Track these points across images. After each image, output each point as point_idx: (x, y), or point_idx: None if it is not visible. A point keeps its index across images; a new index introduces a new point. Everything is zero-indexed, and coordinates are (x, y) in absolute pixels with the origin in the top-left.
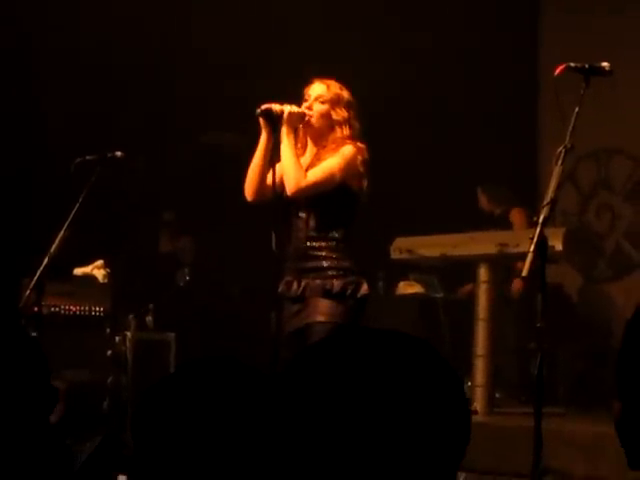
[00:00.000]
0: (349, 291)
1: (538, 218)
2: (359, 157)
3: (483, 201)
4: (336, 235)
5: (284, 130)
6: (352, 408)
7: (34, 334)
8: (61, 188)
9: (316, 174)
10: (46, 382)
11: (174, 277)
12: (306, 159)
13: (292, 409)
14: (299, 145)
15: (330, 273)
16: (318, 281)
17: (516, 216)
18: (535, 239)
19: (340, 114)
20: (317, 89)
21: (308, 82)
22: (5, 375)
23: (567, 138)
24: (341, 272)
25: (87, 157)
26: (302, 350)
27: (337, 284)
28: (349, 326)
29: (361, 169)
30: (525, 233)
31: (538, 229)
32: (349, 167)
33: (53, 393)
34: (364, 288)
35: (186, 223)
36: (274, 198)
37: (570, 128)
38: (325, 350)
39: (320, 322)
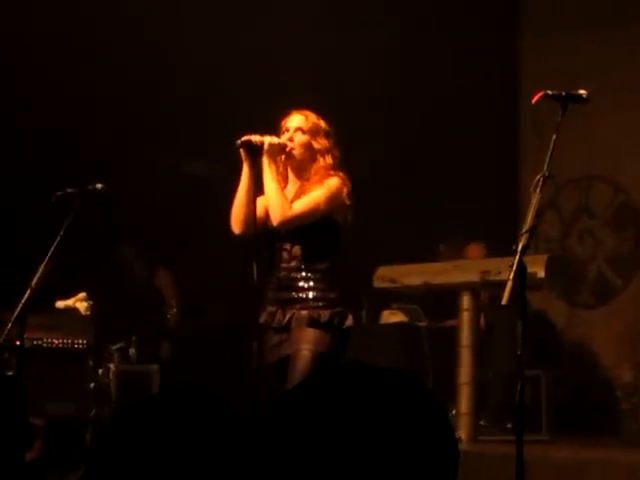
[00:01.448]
0: (336, 321)
1: (517, 246)
2: (344, 189)
3: (477, 255)
4: (321, 266)
5: (265, 161)
6: (334, 450)
7: (10, 372)
8: (42, 221)
9: (301, 205)
10: (21, 420)
11: (156, 310)
12: (289, 192)
13: (273, 453)
14: (280, 178)
15: (316, 304)
16: (304, 311)
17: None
18: (514, 267)
19: (321, 143)
20: (295, 120)
21: (285, 114)
22: None
23: (545, 166)
24: (327, 303)
25: (68, 190)
26: (282, 394)
27: (324, 314)
28: (327, 365)
29: (346, 201)
30: (507, 261)
31: (517, 257)
32: (334, 199)
33: (29, 430)
34: (349, 320)
35: (165, 254)
36: (258, 230)
37: (548, 155)
38: (305, 392)
39: (306, 349)
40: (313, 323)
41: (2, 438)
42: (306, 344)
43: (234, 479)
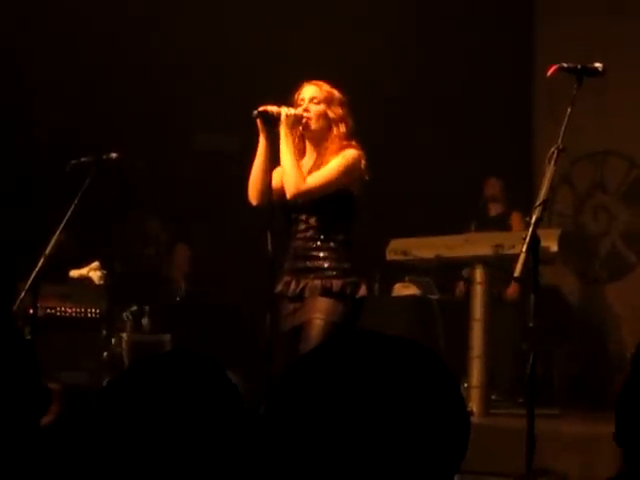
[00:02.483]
0: (348, 291)
1: (531, 218)
2: (362, 161)
3: (495, 189)
4: (337, 237)
5: (283, 132)
6: (348, 416)
7: (28, 336)
8: (57, 189)
9: (316, 178)
10: (36, 382)
11: (170, 282)
12: (307, 162)
13: (287, 420)
14: (297, 150)
15: (330, 273)
16: (317, 281)
17: (516, 220)
18: (527, 239)
19: (336, 112)
20: (309, 91)
21: (298, 86)
22: None
23: (559, 139)
24: (341, 272)
25: (82, 159)
26: (296, 360)
27: (336, 283)
28: (341, 332)
29: (362, 173)
30: (520, 235)
31: (530, 229)
32: (351, 171)
33: (45, 394)
34: (363, 289)
35: (180, 228)
36: (275, 201)
37: (562, 129)
38: (319, 358)
39: (318, 318)
40: (325, 292)
41: (17, 400)
42: (318, 313)
43: (229, 445)
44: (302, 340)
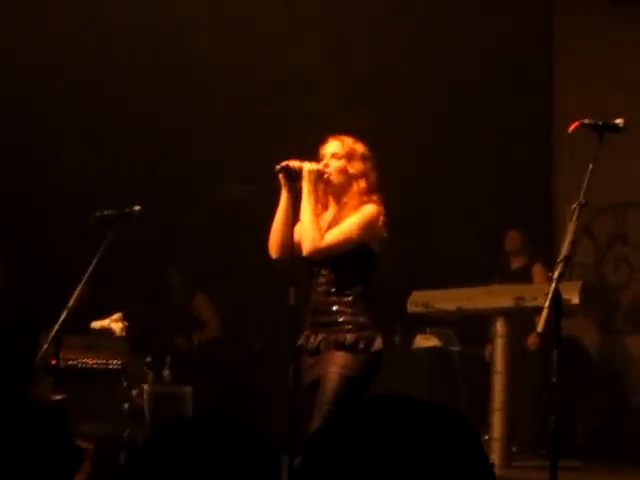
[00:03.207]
0: (361, 345)
1: (553, 274)
2: (380, 217)
3: (516, 242)
4: (354, 291)
5: (306, 188)
6: None
7: (58, 396)
8: (80, 242)
9: (334, 236)
10: (67, 443)
11: (191, 333)
12: (329, 216)
13: None
14: (320, 204)
15: (345, 327)
16: (333, 335)
17: (538, 271)
18: (550, 295)
19: (356, 168)
20: (332, 146)
21: (323, 141)
22: (25, 438)
23: (581, 194)
24: (355, 326)
25: (105, 212)
26: (316, 433)
27: (350, 337)
28: (362, 399)
29: (381, 229)
30: (541, 287)
31: (553, 285)
32: (369, 227)
33: (76, 454)
34: (378, 343)
35: (201, 279)
36: (296, 254)
37: (584, 185)
38: (342, 430)
39: (333, 372)
40: (339, 346)
41: (47, 462)
42: (334, 367)
43: None
44: (318, 394)
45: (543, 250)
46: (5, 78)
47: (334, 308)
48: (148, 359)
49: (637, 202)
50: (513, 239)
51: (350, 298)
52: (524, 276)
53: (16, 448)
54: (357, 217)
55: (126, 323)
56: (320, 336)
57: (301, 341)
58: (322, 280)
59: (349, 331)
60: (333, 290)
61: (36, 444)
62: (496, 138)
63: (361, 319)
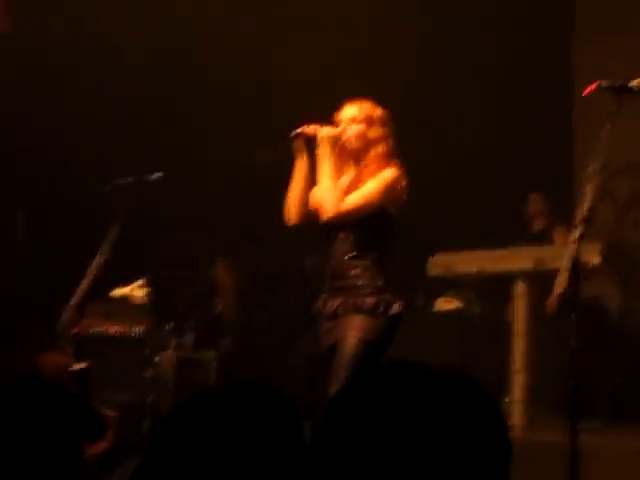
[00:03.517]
0: (381, 308)
1: (573, 235)
2: (400, 181)
3: (538, 205)
4: (372, 255)
5: (323, 153)
6: (390, 452)
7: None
8: (99, 210)
9: (353, 200)
10: (86, 412)
11: (214, 300)
12: (345, 181)
13: (332, 456)
14: (336, 170)
15: (363, 291)
16: (351, 299)
17: (560, 233)
18: (569, 256)
19: (375, 132)
20: (349, 111)
21: (339, 106)
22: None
23: (599, 156)
24: (374, 290)
25: (124, 180)
26: (337, 395)
27: (369, 301)
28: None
29: (401, 194)
30: (562, 249)
31: (573, 246)
32: (389, 191)
33: (97, 422)
34: (396, 307)
35: (222, 245)
36: (312, 220)
37: (602, 147)
38: (360, 393)
39: (351, 336)
40: (358, 310)
41: (63, 431)
42: (352, 330)
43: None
44: (336, 358)
45: (565, 213)
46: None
47: (352, 272)
48: (170, 325)
49: None
50: (535, 202)
51: (368, 262)
52: (546, 238)
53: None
54: (377, 181)
55: (149, 290)
56: (338, 300)
57: (318, 305)
58: (340, 245)
59: (368, 294)
60: (351, 254)
61: (43, 419)
62: (516, 106)
63: (379, 282)
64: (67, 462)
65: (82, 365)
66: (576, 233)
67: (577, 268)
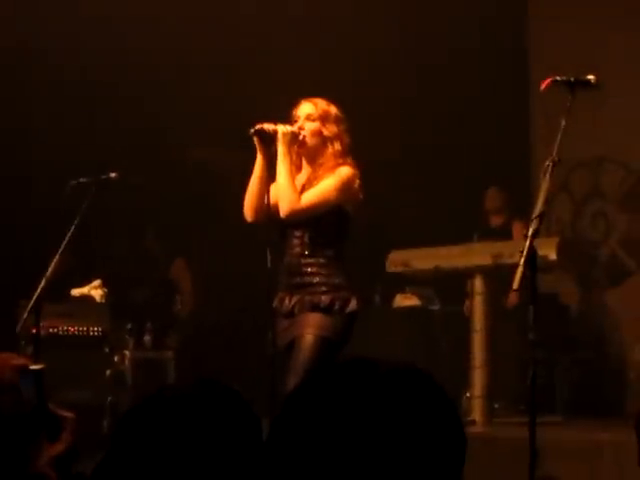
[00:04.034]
0: (336, 306)
1: (528, 231)
2: (356, 180)
3: (496, 200)
4: (328, 253)
5: (280, 150)
6: (343, 451)
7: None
8: (56, 210)
9: (310, 197)
10: (41, 413)
11: (171, 300)
12: (302, 178)
13: (288, 455)
14: (293, 167)
15: (320, 289)
16: (308, 297)
17: (517, 228)
18: (525, 252)
19: (331, 130)
20: (305, 108)
21: (295, 103)
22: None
23: (554, 151)
24: (331, 288)
25: (81, 179)
26: (290, 395)
27: (325, 299)
28: (336, 363)
29: (357, 192)
30: (520, 244)
31: (527, 242)
32: (345, 189)
33: (53, 423)
34: (353, 304)
35: (178, 244)
36: (271, 217)
37: (557, 141)
38: (315, 392)
39: (308, 333)
40: (314, 308)
41: (17, 432)
42: (309, 328)
43: (247, 475)
44: (293, 355)
45: (523, 208)
46: None
47: (309, 270)
48: (129, 325)
49: (612, 156)
50: (493, 197)
51: (324, 259)
52: (504, 234)
53: None
54: (334, 179)
55: (106, 290)
56: (295, 298)
57: (275, 303)
58: (296, 242)
59: (324, 292)
60: (307, 252)
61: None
62: (474, 98)
63: (336, 280)
64: (20, 465)
65: (38, 366)
66: (531, 228)
67: (534, 262)
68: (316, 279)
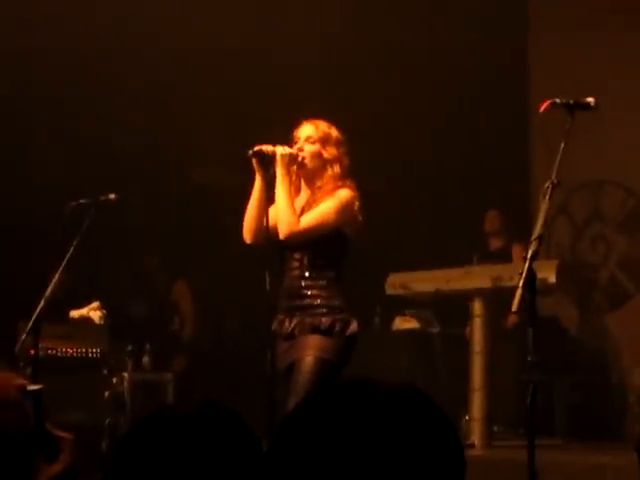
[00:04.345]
0: (337, 328)
1: (527, 253)
2: (355, 202)
3: (495, 223)
4: (328, 275)
5: (279, 172)
6: (342, 472)
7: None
8: (57, 231)
9: (309, 220)
10: (39, 434)
11: (171, 322)
12: (301, 200)
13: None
14: (292, 188)
15: (320, 311)
16: (308, 319)
17: (517, 251)
18: (524, 274)
19: (330, 152)
20: (306, 130)
21: (297, 124)
22: None
23: (553, 173)
24: (331, 310)
25: (81, 201)
26: (288, 417)
27: (325, 321)
28: (336, 383)
29: (356, 214)
30: (519, 267)
31: (526, 264)
32: (344, 211)
33: (50, 444)
34: (353, 326)
35: (179, 265)
36: (270, 239)
37: (556, 163)
38: (312, 414)
39: (309, 355)
40: (315, 329)
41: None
42: (309, 350)
43: None
44: (293, 377)
45: (522, 230)
46: None
47: (309, 292)
48: (129, 347)
49: (612, 179)
50: (492, 220)
51: (324, 281)
52: (503, 257)
53: None
54: (333, 201)
55: (104, 311)
56: (295, 320)
57: (275, 326)
58: (295, 264)
59: (324, 314)
60: (307, 274)
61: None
62: (474, 122)
63: (336, 302)
64: None
65: (36, 387)
66: (530, 250)
67: (533, 285)
68: (316, 301)
